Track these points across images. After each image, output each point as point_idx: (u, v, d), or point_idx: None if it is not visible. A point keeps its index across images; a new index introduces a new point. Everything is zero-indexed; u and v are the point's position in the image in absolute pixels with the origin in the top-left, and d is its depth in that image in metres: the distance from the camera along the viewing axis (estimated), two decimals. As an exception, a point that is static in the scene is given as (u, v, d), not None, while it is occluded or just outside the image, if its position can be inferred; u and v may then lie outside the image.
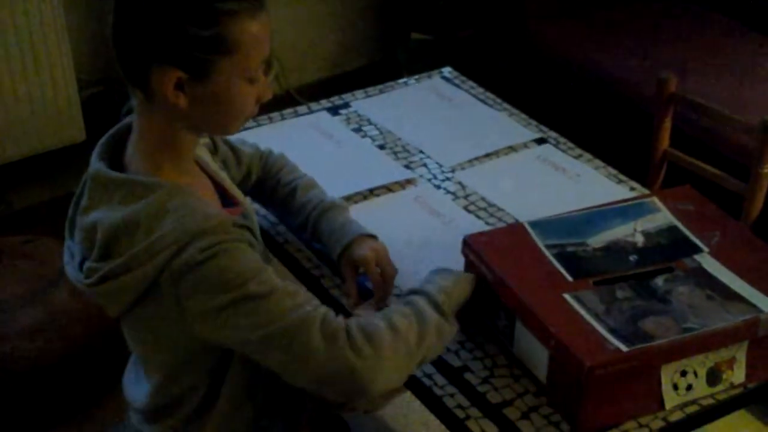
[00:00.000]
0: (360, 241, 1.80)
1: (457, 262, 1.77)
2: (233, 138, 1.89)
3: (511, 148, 2.29)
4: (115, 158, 1.59)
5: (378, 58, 4.31)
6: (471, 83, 2.57)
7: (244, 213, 1.71)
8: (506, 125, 2.39)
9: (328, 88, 3.99)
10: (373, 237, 1.83)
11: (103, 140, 1.62)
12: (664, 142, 2.57)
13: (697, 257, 1.72)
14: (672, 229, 1.79)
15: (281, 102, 3.82)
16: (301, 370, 1.49)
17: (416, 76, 2.60)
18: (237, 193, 1.76)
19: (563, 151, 2.28)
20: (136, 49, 1.49)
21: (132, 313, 1.55)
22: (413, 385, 1.68)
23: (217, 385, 1.62)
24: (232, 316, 1.47)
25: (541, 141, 2.32)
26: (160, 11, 1.45)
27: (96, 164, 1.57)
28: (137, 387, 1.73)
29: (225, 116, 1.56)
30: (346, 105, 2.47)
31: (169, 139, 1.55)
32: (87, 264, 1.53)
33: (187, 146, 1.59)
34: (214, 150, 1.83)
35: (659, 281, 1.66)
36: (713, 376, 1.61)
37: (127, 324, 1.64)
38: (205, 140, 1.79)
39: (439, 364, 1.69)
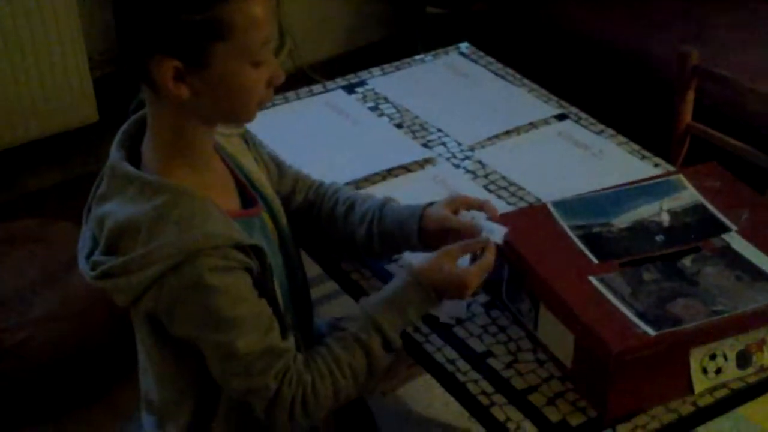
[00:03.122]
0: (429, 208, 1.73)
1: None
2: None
3: (532, 125, 2.25)
4: (133, 148, 1.56)
5: (393, 32, 4.26)
6: (488, 59, 2.52)
7: (264, 214, 1.67)
8: (526, 101, 2.34)
9: (343, 64, 3.97)
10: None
11: (123, 128, 1.58)
12: (687, 116, 2.52)
13: (725, 236, 1.68)
14: (699, 208, 1.75)
15: (295, 79, 3.79)
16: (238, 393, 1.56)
17: (433, 52, 2.56)
18: (266, 190, 1.71)
19: (585, 126, 2.24)
20: (132, 41, 1.46)
21: (133, 309, 1.54)
22: (435, 370, 1.65)
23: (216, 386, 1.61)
24: (205, 348, 1.51)
25: (561, 117, 2.28)
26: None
27: (115, 154, 1.54)
28: (145, 377, 1.72)
29: (233, 103, 1.51)
30: (363, 83, 2.43)
31: (179, 133, 1.51)
32: (94, 256, 1.51)
33: (200, 140, 1.54)
34: (250, 144, 1.77)
35: (687, 262, 1.63)
36: (743, 359, 1.57)
37: (132, 315, 1.62)
38: (238, 130, 1.73)
39: (462, 348, 1.66)
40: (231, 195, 1.63)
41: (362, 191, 1.92)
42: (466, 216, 1.72)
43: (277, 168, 1.82)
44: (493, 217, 1.70)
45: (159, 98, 1.48)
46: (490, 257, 1.62)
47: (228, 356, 1.49)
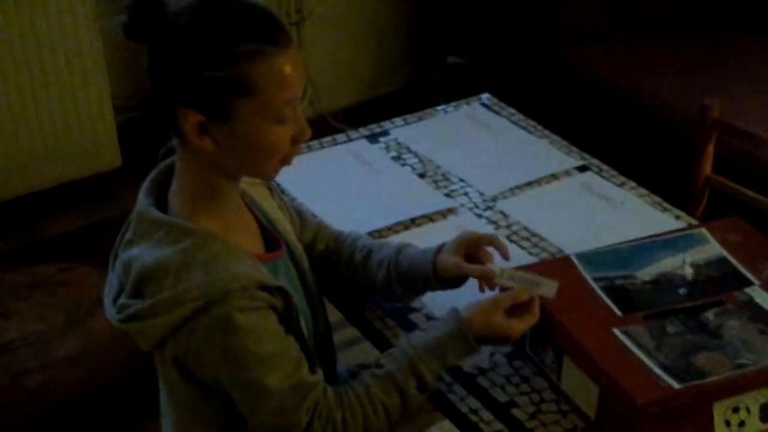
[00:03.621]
0: (439, 257, 1.74)
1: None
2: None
3: (553, 176, 2.27)
4: (161, 195, 1.59)
5: (413, 80, 4.30)
6: (510, 109, 2.55)
7: (286, 258, 1.69)
8: (547, 152, 2.36)
9: (363, 111, 4.01)
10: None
11: (151, 176, 1.61)
12: (707, 168, 2.53)
13: (748, 290, 1.69)
14: (721, 262, 1.76)
15: (316, 126, 3.79)
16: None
17: (454, 103, 2.59)
18: (289, 235, 1.73)
19: (606, 178, 2.26)
20: (161, 92, 1.49)
21: (157, 353, 1.56)
22: (458, 420, 1.66)
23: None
24: (233, 389, 1.52)
25: (583, 168, 2.30)
26: (180, 52, 1.44)
27: (143, 200, 1.57)
28: (166, 421, 1.73)
29: (255, 159, 1.52)
30: (385, 132, 2.45)
31: (205, 182, 1.54)
32: (121, 299, 1.53)
33: (224, 190, 1.56)
34: (274, 192, 1.79)
35: (710, 315, 1.64)
36: (766, 412, 1.57)
37: (156, 359, 1.63)
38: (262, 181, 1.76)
39: (486, 398, 1.67)
40: (255, 239, 1.65)
41: (385, 239, 1.93)
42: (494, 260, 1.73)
43: (300, 218, 1.84)
44: (504, 254, 1.72)
45: (186, 147, 1.51)
46: (536, 312, 1.63)
47: (259, 394, 1.50)
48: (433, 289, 1.77)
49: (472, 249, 1.74)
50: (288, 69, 1.47)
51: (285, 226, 1.74)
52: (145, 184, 1.60)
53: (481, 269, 1.70)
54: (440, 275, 1.73)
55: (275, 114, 1.48)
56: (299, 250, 1.74)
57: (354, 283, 1.84)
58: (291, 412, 1.51)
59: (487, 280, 1.70)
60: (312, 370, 1.55)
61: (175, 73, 1.45)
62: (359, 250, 1.83)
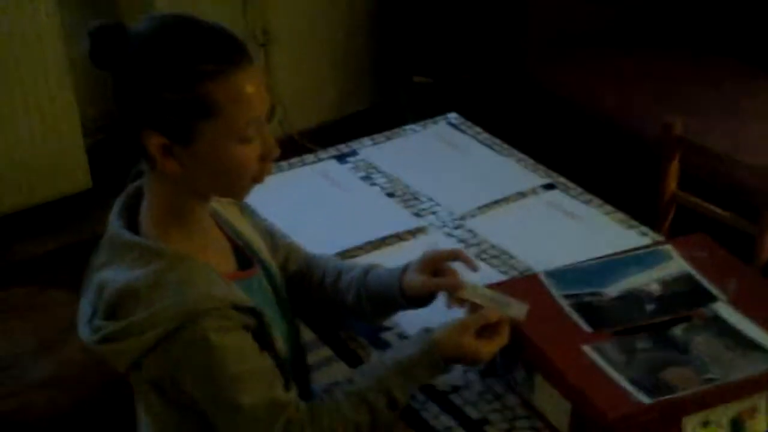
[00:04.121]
0: (405, 277, 1.76)
1: (474, 313, 1.78)
2: None
3: (521, 194, 2.30)
4: (131, 216, 1.60)
5: (379, 100, 4.33)
6: (476, 128, 2.57)
7: (261, 275, 1.70)
8: (514, 171, 2.39)
9: (332, 131, 4.02)
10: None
11: (121, 198, 1.62)
12: (672, 184, 2.57)
13: (714, 306, 1.72)
14: (688, 278, 1.79)
15: (285, 146, 3.81)
16: None
17: (422, 122, 2.61)
18: (263, 253, 1.74)
19: (572, 196, 2.29)
20: (125, 115, 1.49)
21: (132, 375, 1.56)
22: (432, 437, 1.68)
23: None
24: (209, 407, 1.52)
25: (549, 186, 2.32)
26: (141, 76, 1.45)
27: (114, 223, 1.58)
28: None
29: (223, 180, 1.54)
30: (354, 152, 2.47)
31: (174, 203, 1.55)
32: (95, 321, 1.53)
33: (194, 210, 1.57)
34: (245, 212, 1.80)
35: (678, 331, 1.66)
36: (735, 427, 1.60)
37: (132, 381, 1.63)
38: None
39: (459, 416, 1.69)
40: (228, 258, 1.66)
41: (354, 260, 1.95)
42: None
43: (271, 239, 1.85)
44: (471, 267, 1.75)
45: (154, 170, 1.52)
46: (505, 334, 1.64)
47: (233, 413, 1.50)
48: (401, 308, 1.79)
49: (437, 265, 1.75)
50: (249, 88, 1.47)
51: (259, 244, 1.75)
52: (116, 207, 1.61)
53: (446, 280, 1.73)
54: (407, 295, 1.75)
55: (238, 134, 1.48)
56: (274, 267, 1.76)
57: (325, 305, 1.86)
58: (265, 430, 1.52)
59: (454, 292, 1.71)
60: (287, 387, 1.56)
61: (138, 96, 1.46)
62: (329, 272, 1.84)
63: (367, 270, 1.81)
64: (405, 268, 1.77)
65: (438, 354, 1.62)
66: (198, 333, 1.46)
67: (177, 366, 1.49)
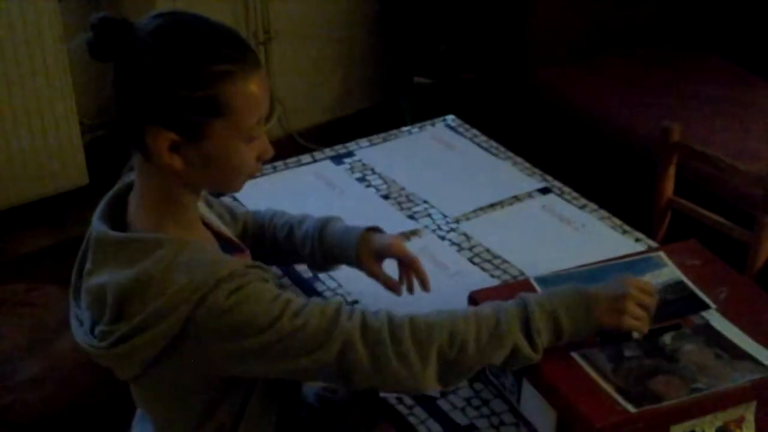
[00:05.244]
0: (371, 233, 1.83)
1: (463, 318, 1.77)
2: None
3: (516, 198, 2.29)
4: (116, 218, 1.58)
5: (380, 101, 4.32)
6: (474, 131, 2.57)
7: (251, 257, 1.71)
8: (510, 174, 2.39)
9: (331, 131, 4.02)
10: (377, 229, 1.86)
11: (103, 201, 1.61)
12: (668, 190, 2.56)
13: (704, 314, 1.72)
14: (679, 285, 1.78)
15: (283, 145, 3.83)
16: (349, 384, 1.52)
17: (419, 124, 2.61)
18: (239, 241, 1.75)
19: (568, 201, 2.28)
20: (131, 110, 1.49)
21: (147, 374, 1.53)
22: (419, 442, 1.67)
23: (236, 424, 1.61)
24: (271, 353, 1.47)
25: (545, 191, 2.32)
26: (153, 73, 1.45)
27: (98, 227, 1.55)
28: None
29: (223, 176, 1.55)
30: (350, 153, 2.47)
31: (169, 197, 1.54)
32: (99, 328, 1.51)
33: (188, 204, 1.58)
34: (209, 204, 1.81)
35: (667, 339, 1.66)
36: (722, 436, 1.60)
37: (141, 384, 1.62)
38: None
39: (446, 421, 1.68)
40: (217, 250, 1.66)
41: (301, 214, 1.94)
42: None
43: (229, 212, 1.87)
44: (422, 283, 1.82)
45: (150, 164, 1.51)
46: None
47: (290, 339, 1.46)
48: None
49: (395, 257, 1.83)
50: (258, 89, 1.50)
51: (229, 234, 1.75)
52: (98, 211, 1.59)
53: (388, 282, 1.82)
54: (359, 257, 1.82)
55: (246, 133, 1.50)
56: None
57: (281, 259, 1.94)
58: (337, 328, 1.49)
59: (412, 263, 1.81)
60: None
61: (147, 92, 1.46)
62: (280, 228, 1.89)
63: (322, 226, 1.86)
64: (362, 240, 1.82)
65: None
66: (220, 299, 1.44)
67: (209, 338, 1.45)
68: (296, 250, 1.88)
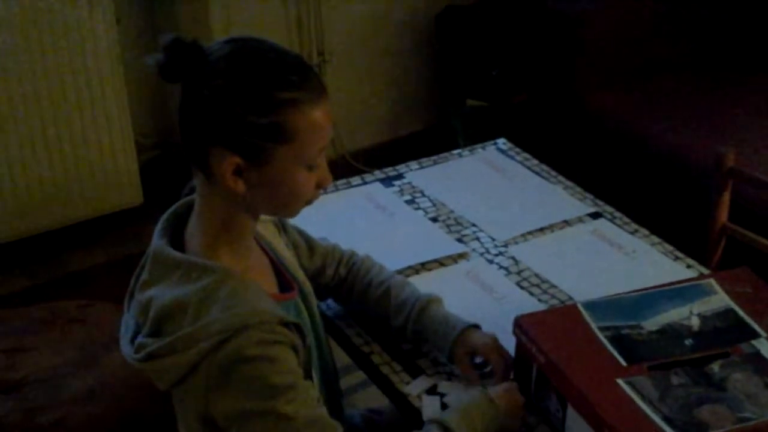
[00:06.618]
0: (471, 331, 1.80)
1: (509, 342, 1.76)
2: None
3: (566, 223, 2.28)
4: (176, 235, 1.60)
5: (433, 123, 4.32)
6: (525, 155, 2.56)
7: (298, 299, 1.70)
8: (560, 199, 2.37)
9: (383, 152, 4.03)
10: (477, 326, 1.83)
11: (165, 217, 1.63)
12: (722, 216, 2.53)
13: (754, 343, 1.69)
14: (729, 313, 1.76)
15: (336, 166, 3.84)
16: None
17: (470, 147, 2.60)
18: (299, 274, 1.75)
19: (618, 226, 2.26)
20: (197, 132, 1.51)
21: (176, 390, 1.56)
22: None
23: None
24: (252, 423, 1.48)
25: (596, 215, 2.30)
26: (222, 96, 1.47)
27: (157, 242, 1.58)
28: None
29: (283, 201, 1.57)
30: (400, 176, 2.47)
31: (227, 220, 1.56)
32: (138, 339, 1.54)
33: (245, 228, 1.59)
34: (281, 229, 1.82)
35: (715, 367, 1.63)
36: (769, 467, 1.57)
37: (173, 398, 1.64)
38: (271, 218, 1.78)
39: (490, 447, 1.67)
40: (270, 279, 1.67)
41: (400, 278, 1.93)
42: None
43: (307, 244, 1.88)
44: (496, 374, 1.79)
45: (212, 186, 1.53)
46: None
47: (280, 422, 1.47)
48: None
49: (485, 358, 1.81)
50: (323, 118, 1.52)
51: (294, 265, 1.76)
52: (159, 225, 1.62)
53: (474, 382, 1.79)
54: (453, 349, 1.80)
55: (309, 161, 1.52)
56: (308, 288, 1.76)
57: (360, 308, 1.92)
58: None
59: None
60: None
61: (215, 115, 1.47)
62: (375, 285, 1.87)
63: (422, 307, 1.84)
64: (460, 337, 1.79)
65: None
66: (243, 346, 1.45)
67: (219, 379, 1.47)
68: (387, 314, 1.87)
